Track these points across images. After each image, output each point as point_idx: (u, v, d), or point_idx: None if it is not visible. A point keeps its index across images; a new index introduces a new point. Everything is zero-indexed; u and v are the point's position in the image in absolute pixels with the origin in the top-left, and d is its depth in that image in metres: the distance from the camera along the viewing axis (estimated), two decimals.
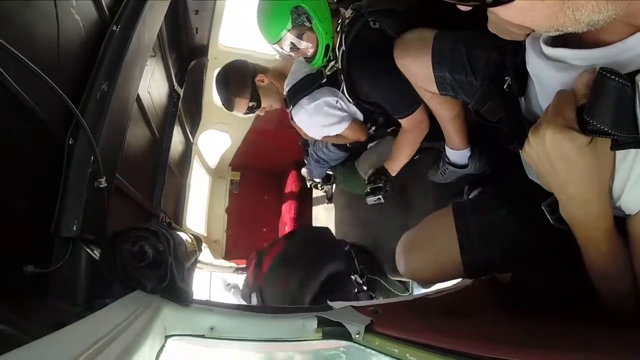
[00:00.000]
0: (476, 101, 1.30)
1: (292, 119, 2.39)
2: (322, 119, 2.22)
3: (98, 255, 1.09)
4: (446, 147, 1.93)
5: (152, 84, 2.12)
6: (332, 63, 2.09)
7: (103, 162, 1.13)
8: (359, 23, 1.90)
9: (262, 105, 2.51)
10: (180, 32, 2.66)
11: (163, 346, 1.01)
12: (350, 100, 2.13)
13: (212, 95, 3.45)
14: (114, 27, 1.33)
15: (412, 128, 2.00)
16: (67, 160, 1.08)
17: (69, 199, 1.06)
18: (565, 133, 0.73)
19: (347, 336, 1.16)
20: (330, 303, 1.32)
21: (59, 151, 1.08)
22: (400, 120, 1.98)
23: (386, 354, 1.03)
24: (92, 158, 1.11)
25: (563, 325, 1.00)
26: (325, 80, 2.17)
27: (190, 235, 1.99)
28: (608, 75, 0.65)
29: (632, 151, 0.73)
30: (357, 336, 1.14)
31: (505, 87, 1.10)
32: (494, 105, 1.21)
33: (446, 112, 1.70)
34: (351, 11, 1.94)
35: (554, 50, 0.81)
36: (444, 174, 2.06)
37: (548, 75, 0.85)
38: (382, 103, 2.01)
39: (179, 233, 1.61)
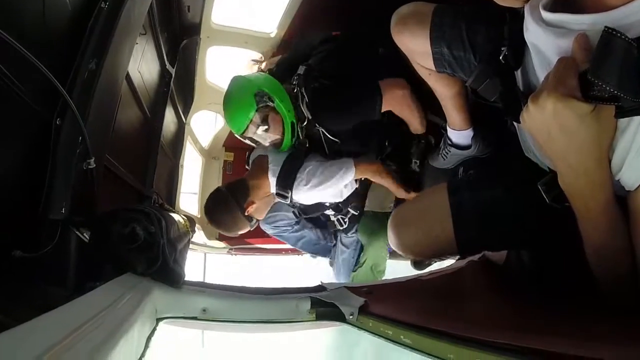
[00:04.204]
0: (474, 79, 1.28)
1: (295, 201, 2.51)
2: (328, 180, 2.26)
3: (88, 238, 1.08)
4: (448, 128, 1.90)
5: (142, 63, 2.08)
6: (298, 124, 2.29)
7: (92, 143, 1.10)
8: (312, 75, 2.21)
9: (260, 218, 2.57)
10: (172, 10, 2.60)
11: (154, 329, 1.00)
12: (335, 140, 2.30)
13: (205, 76, 3.41)
14: (103, 4, 1.29)
15: (399, 107, 2.18)
16: (54, 141, 1.06)
17: (57, 181, 1.04)
18: (567, 102, 0.72)
19: (341, 317, 1.16)
20: (323, 284, 1.32)
21: (46, 132, 1.06)
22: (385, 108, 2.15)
23: (380, 336, 1.02)
24: (80, 139, 1.08)
25: (557, 308, 1.00)
26: (307, 145, 2.36)
27: (183, 217, 1.98)
28: (614, 33, 0.63)
29: (635, 120, 0.72)
30: (351, 317, 1.15)
31: (501, 57, 1.08)
32: (491, 83, 1.19)
33: (445, 89, 1.67)
34: (304, 67, 2.25)
35: (554, 16, 0.80)
36: (445, 157, 2.03)
37: (547, 42, 0.84)
38: (357, 117, 2.19)
39: (172, 214, 1.60)
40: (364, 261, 2.70)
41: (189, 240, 1.93)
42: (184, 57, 2.99)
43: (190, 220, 2.46)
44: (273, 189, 2.35)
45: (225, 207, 2.34)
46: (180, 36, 2.87)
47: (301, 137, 2.33)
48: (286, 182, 2.27)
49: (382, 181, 2.35)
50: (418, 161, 2.24)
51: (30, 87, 0.96)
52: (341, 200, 2.48)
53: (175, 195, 3.28)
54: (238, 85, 2.26)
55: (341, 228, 2.66)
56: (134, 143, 2.18)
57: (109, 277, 1.01)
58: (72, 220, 1.04)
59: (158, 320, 1.05)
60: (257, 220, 2.50)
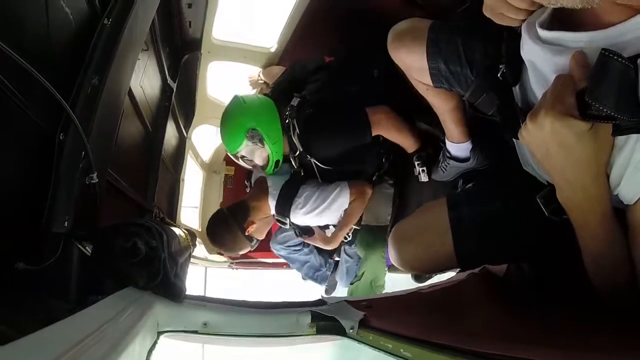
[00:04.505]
0: (471, 93, 1.29)
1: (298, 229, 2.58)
2: (323, 203, 2.33)
3: (90, 252, 1.08)
4: (446, 141, 1.91)
5: (144, 78, 2.10)
6: (291, 154, 2.38)
7: (95, 158, 1.11)
8: (305, 107, 2.25)
9: (260, 238, 2.61)
10: (173, 26, 2.64)
11: (155, 343, 1.00)
12: (328, 168, 2.33)
13: (206, 90, 3.43)
14: (105, 21, 1.31)
15: (386, 131, 2.25)
16: (57, 156, 1.07)
17: (60, 195, 1.04)
18: (565, 120, 0.73)
19: (341, 331, 1.16)
20: (324, 297, 1.32)
21: (50, 146, 1.07)
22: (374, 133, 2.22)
23: (380, 349, 1.02)
24: (83, 153, 1.09)
25: (557, 320, 1.00)
26: (302, 174, 2.44)
27: (184, 231, 1.98)
28: (611, 55, 0.64)
29: (633, 138, 0.73)
30: (351, 331, 1.14)
31: (499, 75, 1.10)
32: (488, 97, 1.20)
33: (443, 104, 1.68)
34: (297, 99, 2.30)
35: (550, 34, 0.81)
36: (444, 170, 2.04)
37: (544, 60, 0.85)
38: (350, 143, 2.24)
39: (173, 228, 1.60)
40: (362, 274, 2.69)
41: (190, 254, 1.93)
42: (185, 72, 3.01)
43: (191, 234, 2.46)
44: (273, 211, 2.41)
45: (226, 227, 2.40)
46: (181, 51, 2.91)
47: (295, 167, 2.42)
48: (284, 209, 2.35)
49: (356, 207, 2.39)
50: (425, 168, 2.23)
51: (34, 102, 0.97)
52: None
53: (176, 209, 3.29)
54: (235, 112, 2.33)
55: (346, 241, 2.65)
56: (136, 157, 2.19)
57: (110, 290, 1.01)
58: (75, 233, 1.05)
59: (159, 334, 1.05)
60: (258, 240, 2.54)
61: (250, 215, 2.41)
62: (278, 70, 2.98)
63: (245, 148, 2.28)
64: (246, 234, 2.39)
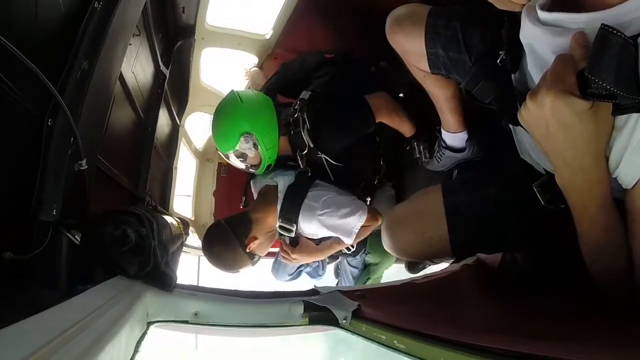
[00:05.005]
0: (468, 81, 1.28)
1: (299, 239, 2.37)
2: (343, 209, 2.14)
3: (79, 240, 1.07)
4: (442, 130, 1.90)
5: (136, 64, 2.07)
6: (298, 152, 2.24)
7: (84, 144, 1.09)
8: (315, 101, 2.18)
9: (263, 254, 2.39)
10: (167, 11, 2.59)
11: (145, 333, 0.99)
12: (339, 165, 2.24)
13: (199, 77, 3.40)
14: (96, 4, 1.28)
15: (386, 116, 2.25)
16: (46, 142, 1.05)
17: (48, 182, 1.02)
18: (566, 99, 0.73)
19: (334, 322, 1.16)
20: (317, 287, 1.31)
21: (39, 132, 1.05)
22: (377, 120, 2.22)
23: (374, 340, 1.02)
24: (72, 139, 1.07)
25: (553, 312, 0.99)
26: (309, 173, 2.25)
27: (177, 219, 1.96)
28: (611, 30, 0.64)
29: (633, 118, 0.73)
30: (344, 322, 1.14)
31: (498, 61, 1.09)
32: (486, 85, 1.19)
33: (440, 92, 1.67)
34: (308, 93, 2.23)
35: (550, 15, 0.80)
36: (439, 160, 2.03)
37: (543, 41, 0.84)
38: (357, 132, 2.21)
39: (164, 216, 1.59)
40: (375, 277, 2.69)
41: (182, 242, 1.92)
42: (179, 58, 2.97)
43: (184, 222, 2.44)
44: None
45: (225, 243, 2.16)
46: (174, 37, 2.86)
47: (302, 166, 2.26)
48: (291, 214, 2.14)
49: (361, 233, 2.24)
50: (427, 150, 2.21)
51: (22, 86, 0.95)
52: (351, 241, 2.28)
53: (169, 198, 3.26)
54: (231, 112, 2.19)
55: (349, 252, 2.52)
56: (127, 144, 2.16)
57: (100, 279, 1.00)
58: (63, 221, 1.03)
59: (149, 324, 1.04)
60: (260, 257, 2.33)
61: (252, 230, 2.18)
62: (263, 79, 2.93)
63: (237, 150, 2.19)
64: (247, 250, 2.17)
